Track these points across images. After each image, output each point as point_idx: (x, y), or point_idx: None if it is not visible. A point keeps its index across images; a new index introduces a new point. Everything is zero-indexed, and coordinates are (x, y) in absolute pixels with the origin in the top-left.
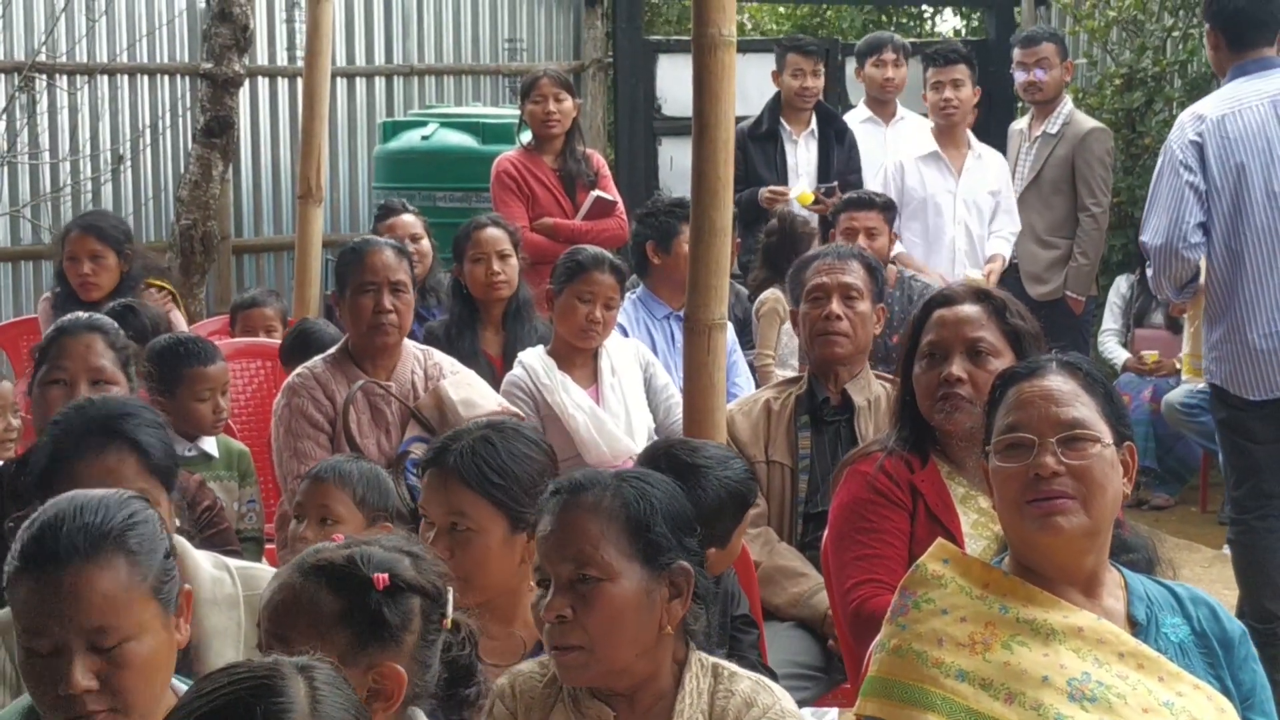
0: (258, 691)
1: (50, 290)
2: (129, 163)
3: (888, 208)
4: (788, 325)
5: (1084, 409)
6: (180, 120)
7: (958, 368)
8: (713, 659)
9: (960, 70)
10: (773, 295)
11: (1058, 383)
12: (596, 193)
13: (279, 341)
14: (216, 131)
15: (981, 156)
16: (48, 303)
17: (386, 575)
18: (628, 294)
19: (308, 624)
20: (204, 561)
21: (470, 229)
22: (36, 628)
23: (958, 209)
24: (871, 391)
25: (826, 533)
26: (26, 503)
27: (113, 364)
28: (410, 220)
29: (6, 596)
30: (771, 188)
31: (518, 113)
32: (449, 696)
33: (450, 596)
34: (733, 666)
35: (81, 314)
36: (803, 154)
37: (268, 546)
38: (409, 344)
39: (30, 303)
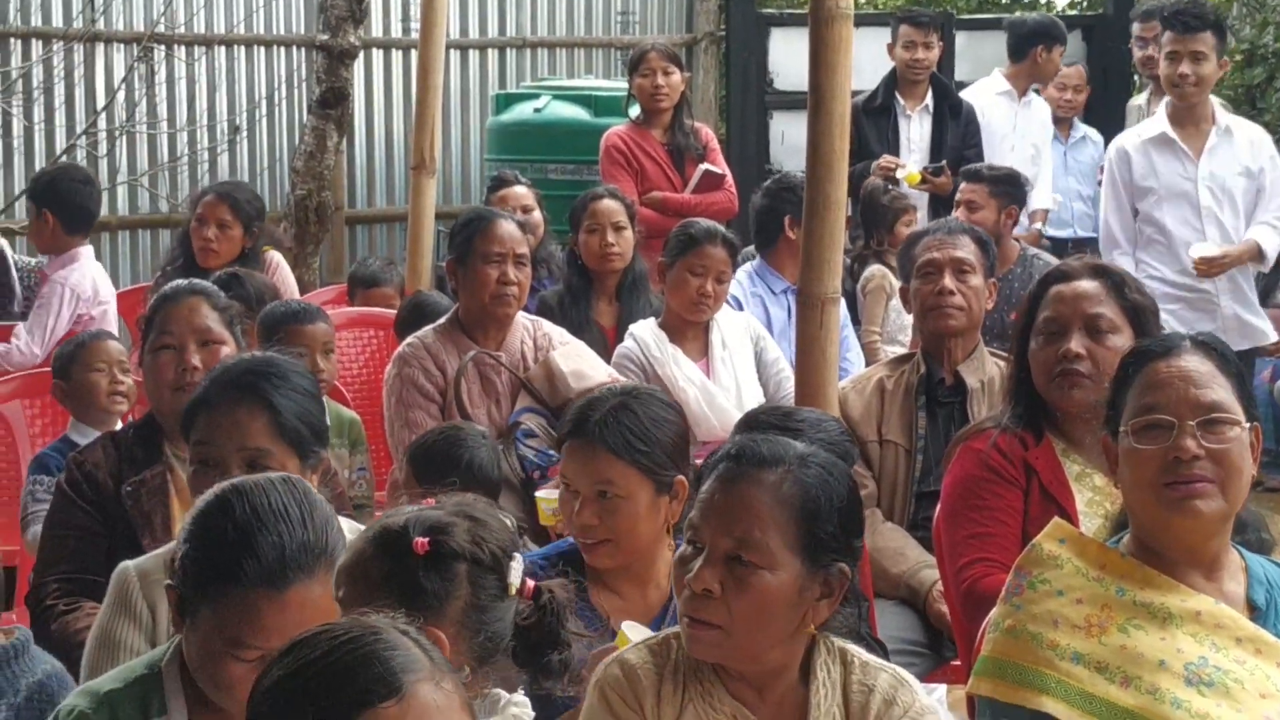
0: (371, 642)
1: (165, 264)
2: (245, 133)
3: (999, 181)
4: (895, 301)
5: (1222, 391)
6: (296, 91)
7: (1076, 344)
8: (838, 643)
9: (1204, 40)
10: (879, 271)
11: (1194, 363)
12: (705, 166)
13: (391, 311)
14: (332, 103)
15: (1230, 131)
16: (163, 275)
17: (426, 540)
18: (742, 267)
19: (359, 586)
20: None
21: (587, 200)
22: (249, 642)
23: (1201, 197)
24: (985, 372)
25: (939, 510)
26: (144, 466)
27: (218, 324)
28: (523, 192)
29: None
30: (886, 157)
31: (628, 86)
32: (539, 664)
33: (515, 564)
34: (859, 653)
35: (181, 280)
36: (916, 129)
37: (377, 514)
38: (519, 314)
39: (148, 271)
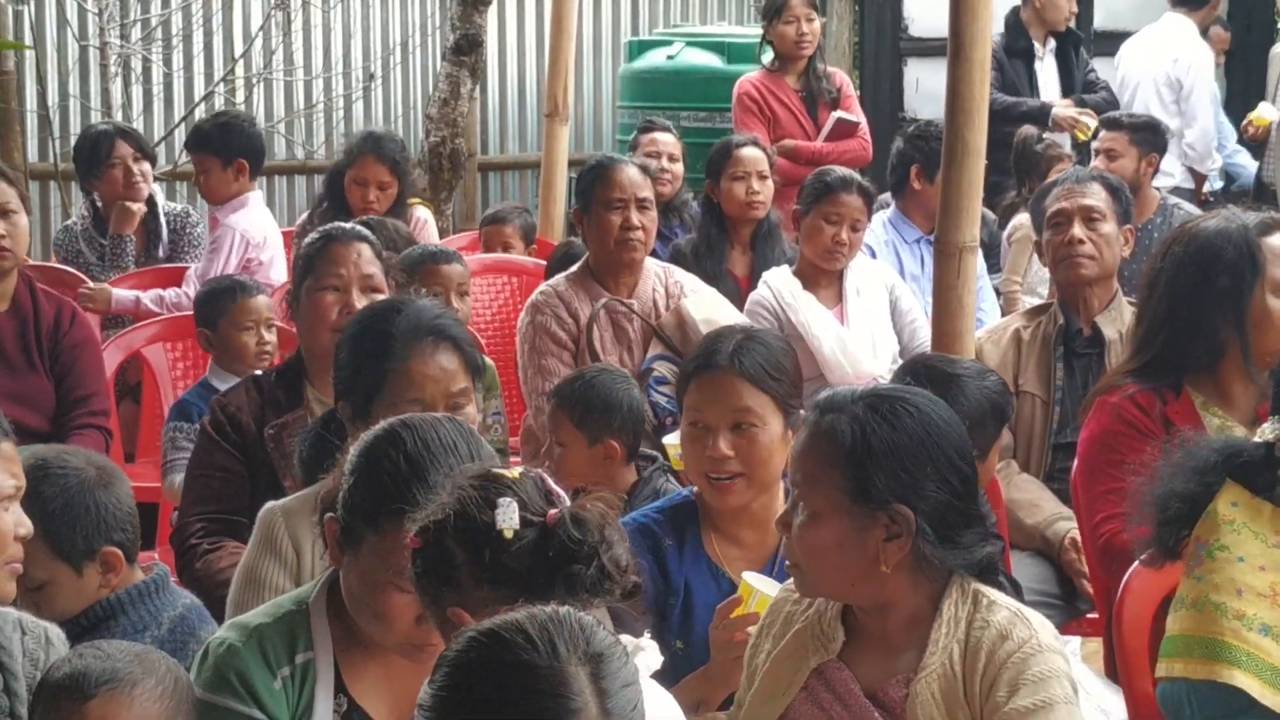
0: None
1: (314, 209)
2: (379, 80)
3: (1139, 129)
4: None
5: None
6: (430, 38)
7: None
8: (974, 585)
9: None
10: (1026, 221)
11: None
12: (839, 113)
13: (525, 258)
14: (465, 49)
15: None
16: (310, 219)
17: (413, 534)
18: (877, 214)
19: None
20: None
21: (729, 147)
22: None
23: None
24: (1124, 323)
25: (1076, 465)
26: (286, 409)
27: (379, 271)
28: (670, 141)
29: (382, 532)
30: (1068, 112)
31: (762, 32)
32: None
33: (502, 510)
34: (992, 594)
35: (342, 223)
36: (1048, 69)
37: (512, 459)
38: (650, 261)
39: (283, 216)
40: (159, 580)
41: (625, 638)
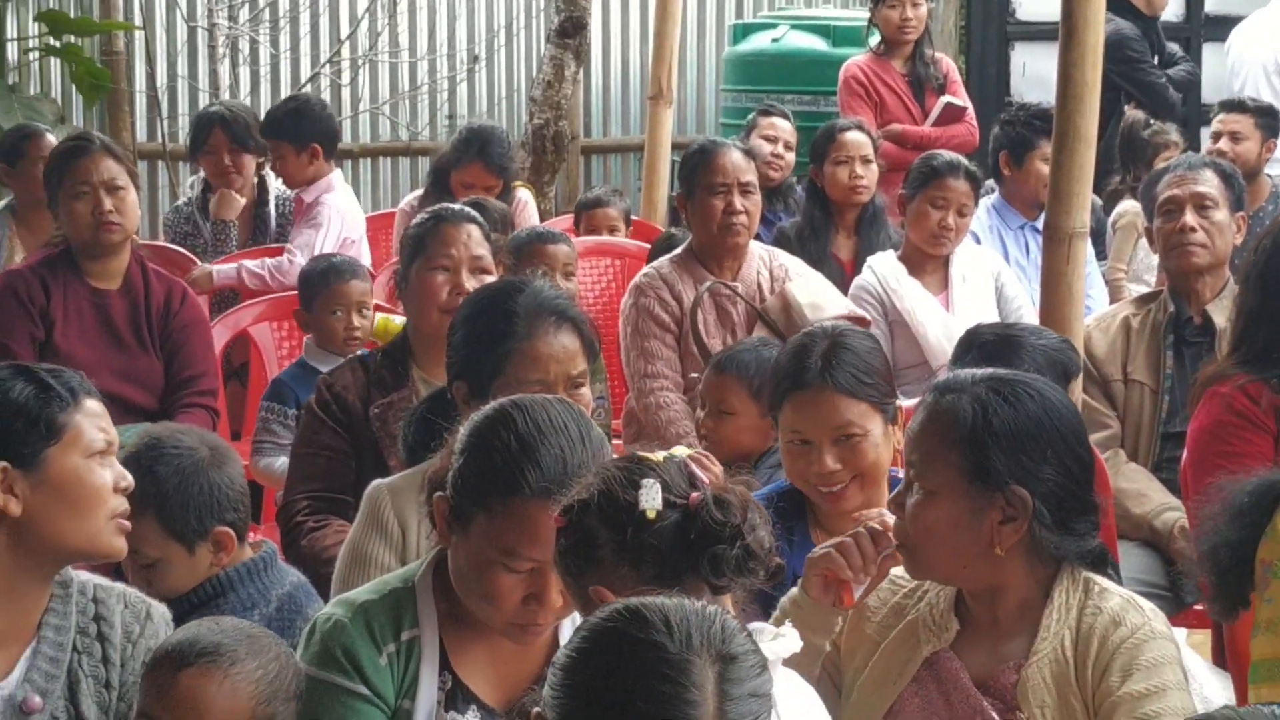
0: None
1: (416, 198)
2: (484, 62)
3: (1263, 113)
4: (1145, 240)
5: None
6: (535, 21)
7: None
8: (1085, 572)
9: None
10: (1132, 208)
11: None
12: (946, 98)
13: (627, 240)
14: (570, 32)
15: None
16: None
17: (558, 514)
18: (982, 200)
19: None
20: None
21: (833, 131)
22: (524, 552)
23: None
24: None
25: (1185, 456)
26: (392, 389)
27: (489, 254)
28: (787, 128)
29: (490, 510)
30: None
31: (868, 15)
32: (707, 560)
33: (645, 491)
34: (1103, 581)
35: (454, 205)
36: None
37: (615, 443)
38: (755, 245)
39: (388, 198)
40: (267, 558)
41: (763, 625)
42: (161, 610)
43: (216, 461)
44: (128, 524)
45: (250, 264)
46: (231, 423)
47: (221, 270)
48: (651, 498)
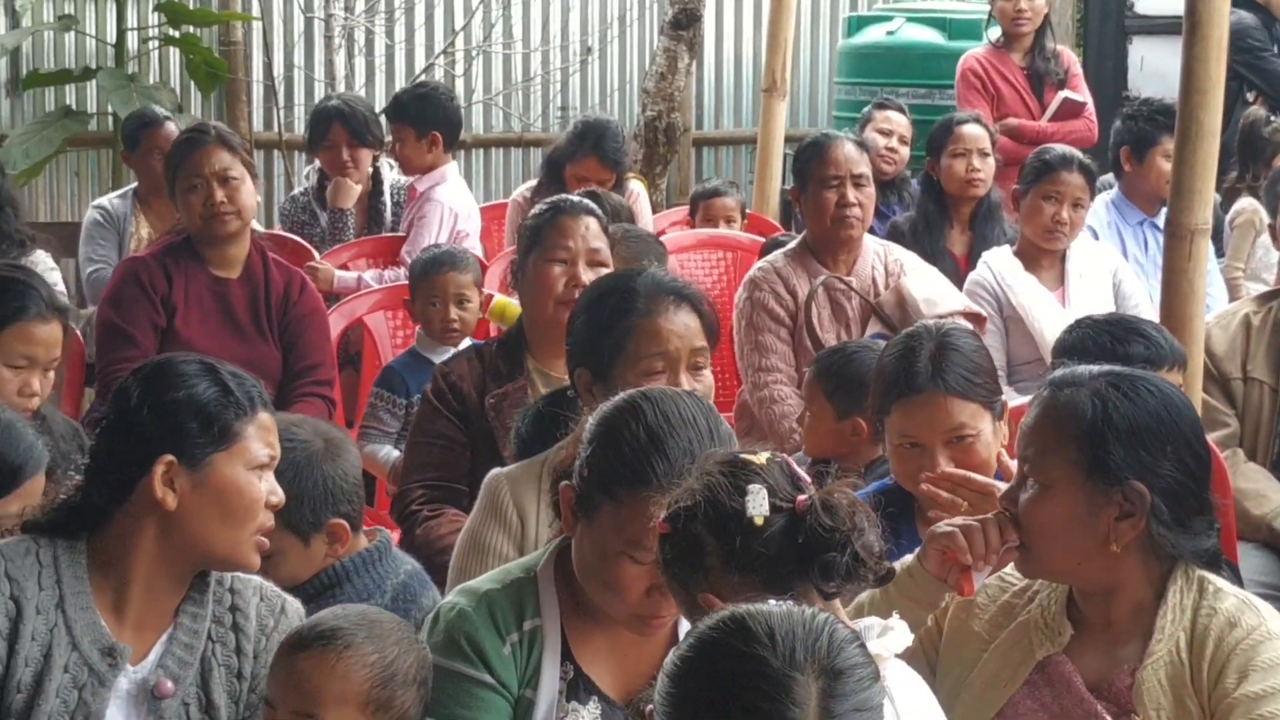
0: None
1: (529, 189)
2: (597, 53)
3: None
4: (1264, 238)
5: None
6: (648, 12)
7: None
8: (1199, 572)
9: None
10: (1250, 205)
11: None
12: (1065, 93)
13: (740, 233)
14: (684, 24)
15: None
16: (526, 200)
17: (662, 519)
18: (1100, 196)
19: None
20: None
21: (950, 124)
22: (649, 544)
23: None
24: None
25: None
26: (507, 379)
27: (606, 247)
28: (902, 122)
29: (618, 502)
30: None
31: (986, 8)
32: (819, 568)
33: (752, 497)
34: (1218, 581)
35: (570, 196)
36: None
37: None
38: (869, 239)
39: (500, 188)
40: (382, 547)
41: (872, 620)
42: (296, 605)
43: (331, 454)
44: (267, 541)
45: (369, 275)
46: (345, 411)
47: (342, 277)
48: (758, 504)
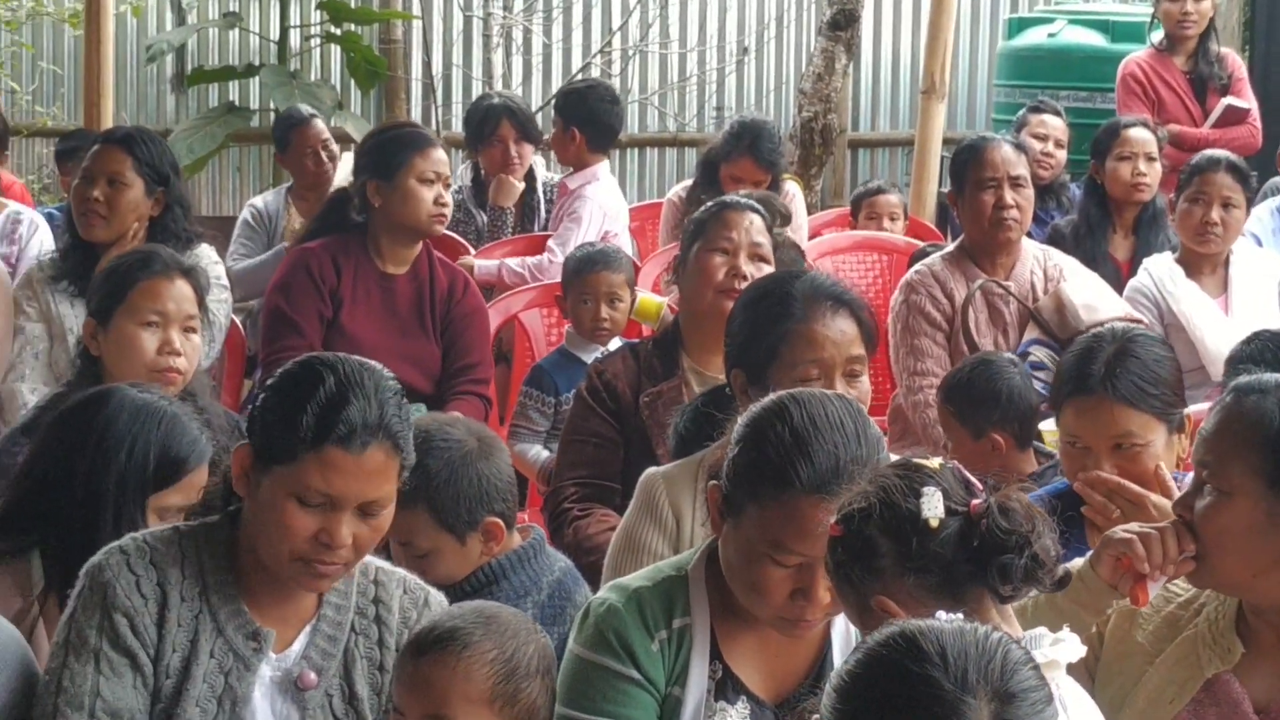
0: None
1: (684, 188)
2: (753, 54)
3: None
4: None
5: None
6: (805, 12)
7: None
8: None
9: None
10: None
11: None
12: (1229, 100)
13: (897, 236)
14: (842, 24)
15: None
16: (681, 200)
17: (835, 522)
18: (1267, 202)
19: None
20: None
21: (1118, 127)
22: (791, 547)
23: None
24: None
25: None
26: (662, 378)
27: (769, 244)
28: (1058, 125)
29: (761, 503)
30: None
31: (1150, 10)
32: (997, 570)
33: (927, 499)
34: None
35: (737, 195)
36: None
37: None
38: (1029, 243)
39: (654, 188)
40: (536, 545)
41: (1042, 630)
42: (439, 598)
43: (484, 452)
44: (324, 582)
45: (512, 262)
46: (497, 408)
47: (483, 266)
48: (933, 506)
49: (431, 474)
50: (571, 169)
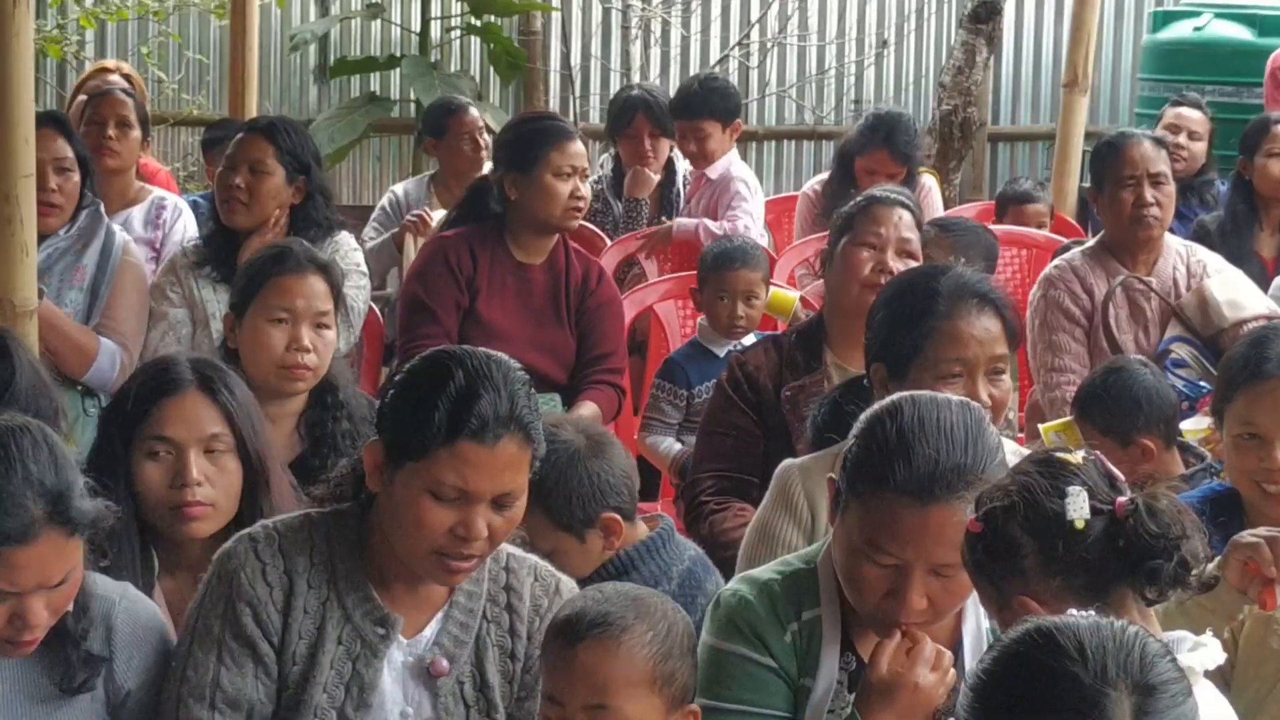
0: None
1: (820, 182)
2: (892, 46)
3: None
4: None
5: None
6: (945, 5)
7: None
8: None
9: None
10: None
11: None
12: None
13: (1037, 231)
14: (984, 17)
15: None
16: (816, 194)
17: (975, 518)
18: None
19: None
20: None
21: (1267, 123)
22: (884, 547)
23: None
24: None
25: None
26: (805, 372)
27: (917, 240)
28: (1195, 117)
29: (862, 500)
30: None
31: None
32: (1145, 574)
33: (1072, 500)
34: None
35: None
36: None
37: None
38: (1171, 239)
39: (790, 181)
40: (664, 534)
41: (1183, 633)
42: (570, 584)
43: (594, 450)
44: (458, 576)
45: (711, 223)
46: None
47: (682, 224)
48: (1079, 506)
49: (542, 476)
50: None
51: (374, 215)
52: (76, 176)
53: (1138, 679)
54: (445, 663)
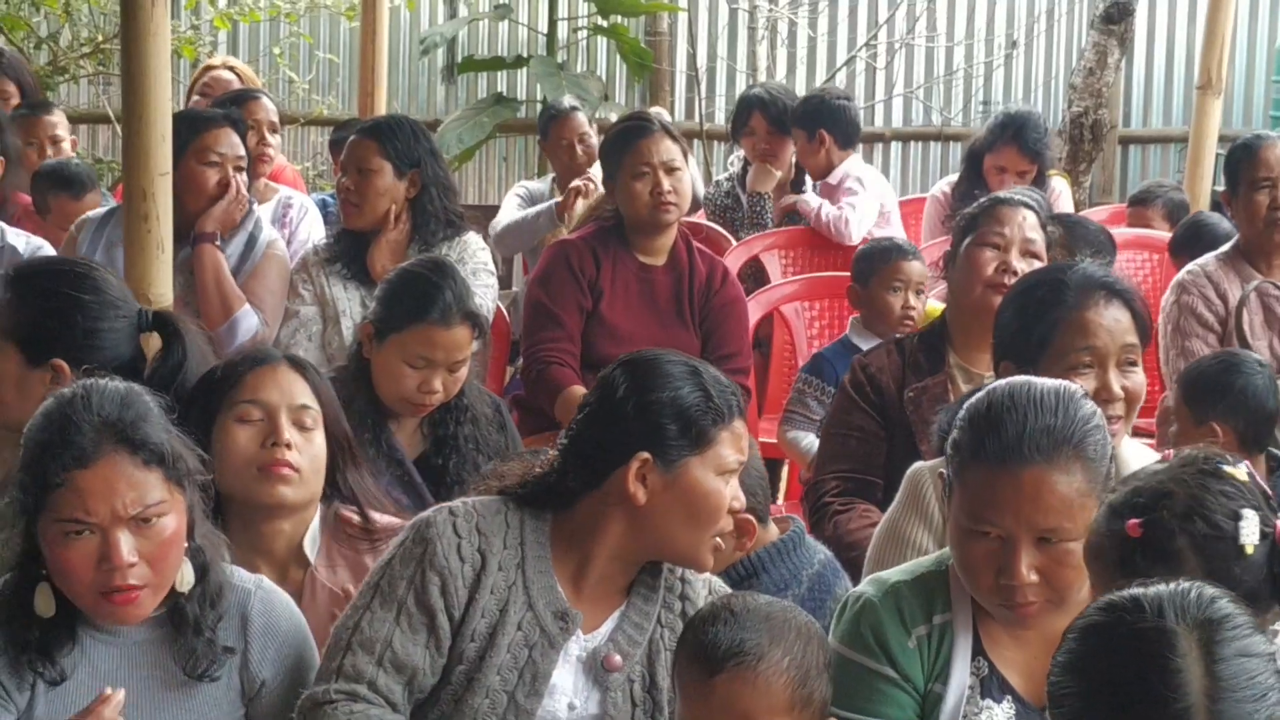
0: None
1: (949, 183)
2: (1022, 47)
3: None
4: None
5: None
6: (1076, 5)
7: None
8: None
9: None
10: None
11: None
12: None
13: (1166, 234)
14: (1116, 18)
15: None
16: (946, 196)
17: (1138, 523)
18: None
19: (1098, 565)
20: None
21: None
22: (986, 518)
23: None
24: None
25: None
26: (927, 373)
27: (1042, 240)
28: None
29: (962, 478)
30: None
31: None
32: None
33: (1246, 523)
34: None
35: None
36: None
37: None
38: None
39: (917, 182)
40: (795, 537)
41: None
42: (718, 584)
43: None
44: (721, 543)
45: (830, 207)
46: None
47: (805, 199)
48: (1253, 532)
49: None
50: (819, 177)
51: (508, 202)
52: (244, 176)
53: (1197, 615)
54: (618, 658)
